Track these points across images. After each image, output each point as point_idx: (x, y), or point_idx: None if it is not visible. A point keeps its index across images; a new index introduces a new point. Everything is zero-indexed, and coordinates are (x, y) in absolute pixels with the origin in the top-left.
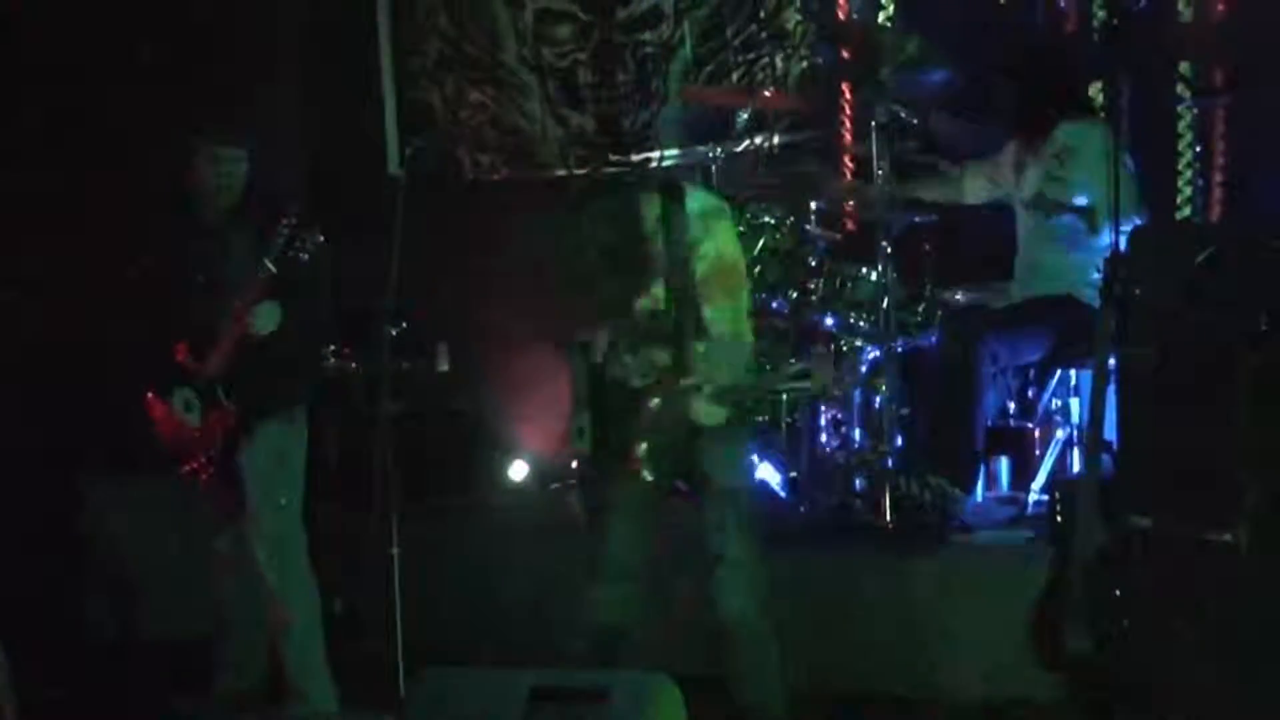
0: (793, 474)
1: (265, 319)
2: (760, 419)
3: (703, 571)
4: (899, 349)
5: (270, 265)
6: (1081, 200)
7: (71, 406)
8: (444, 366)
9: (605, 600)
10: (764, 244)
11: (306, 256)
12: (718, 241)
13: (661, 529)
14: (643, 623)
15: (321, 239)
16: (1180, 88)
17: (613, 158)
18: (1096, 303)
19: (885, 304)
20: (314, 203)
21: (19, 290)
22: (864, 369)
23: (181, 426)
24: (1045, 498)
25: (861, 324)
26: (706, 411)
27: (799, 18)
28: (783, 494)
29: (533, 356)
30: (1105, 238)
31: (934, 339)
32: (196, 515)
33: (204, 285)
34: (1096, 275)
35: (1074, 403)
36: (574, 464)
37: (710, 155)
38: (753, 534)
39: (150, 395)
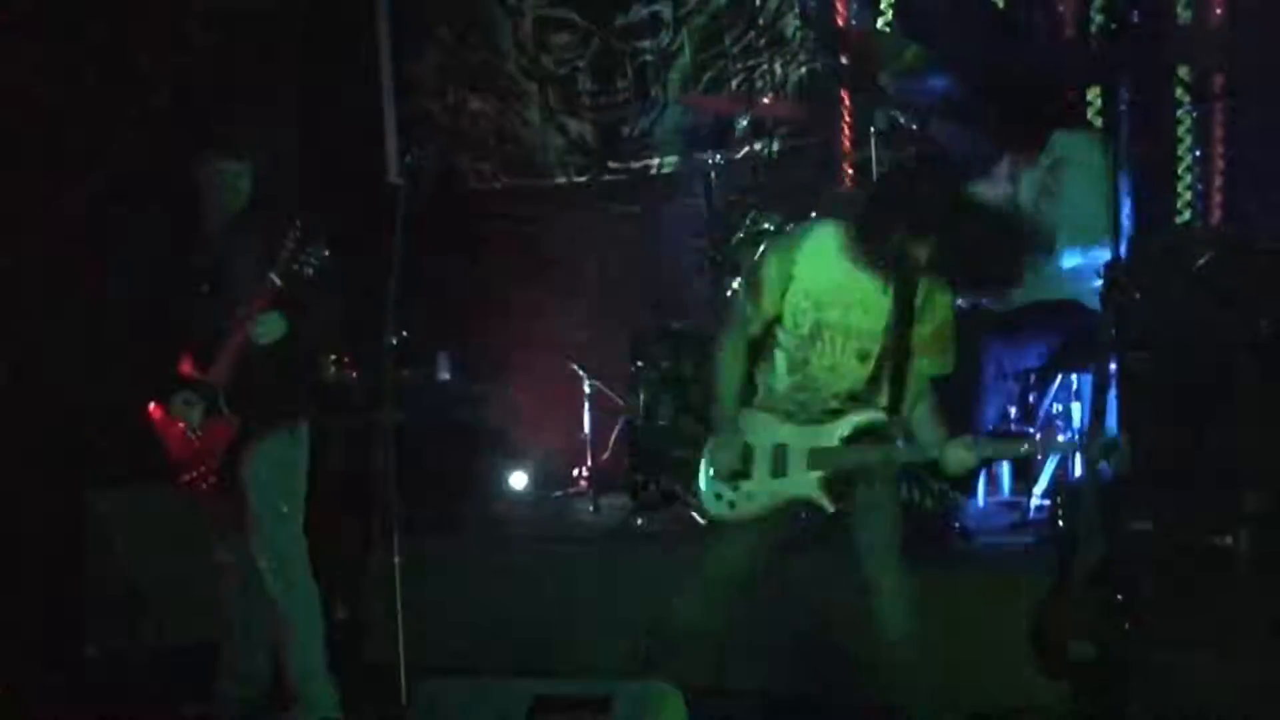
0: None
1: (269, 328)
2: None
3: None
4: None
5: (276, 278)
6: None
7: (74, 415)
8: (445, 375)
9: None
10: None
11: (312, 270)
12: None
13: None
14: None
15: (327, 252)
16: (1179, 92)
17: (611, 165)
18: (1098, 307)
19: None
20: (314, 212)
21: (22, 300)
22: None
23: (183, 436)
24: (1047, 503)
25: None
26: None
27: (798, 24)
28: None
29: (535, 365)
30: (1069, 259)
31: None
32: (199, 524)
33: (207, 295)
34: (1098, 280)
35: (1075, 408)
36: (577, 473)
37: (710, 162)
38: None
39: (152, 405)
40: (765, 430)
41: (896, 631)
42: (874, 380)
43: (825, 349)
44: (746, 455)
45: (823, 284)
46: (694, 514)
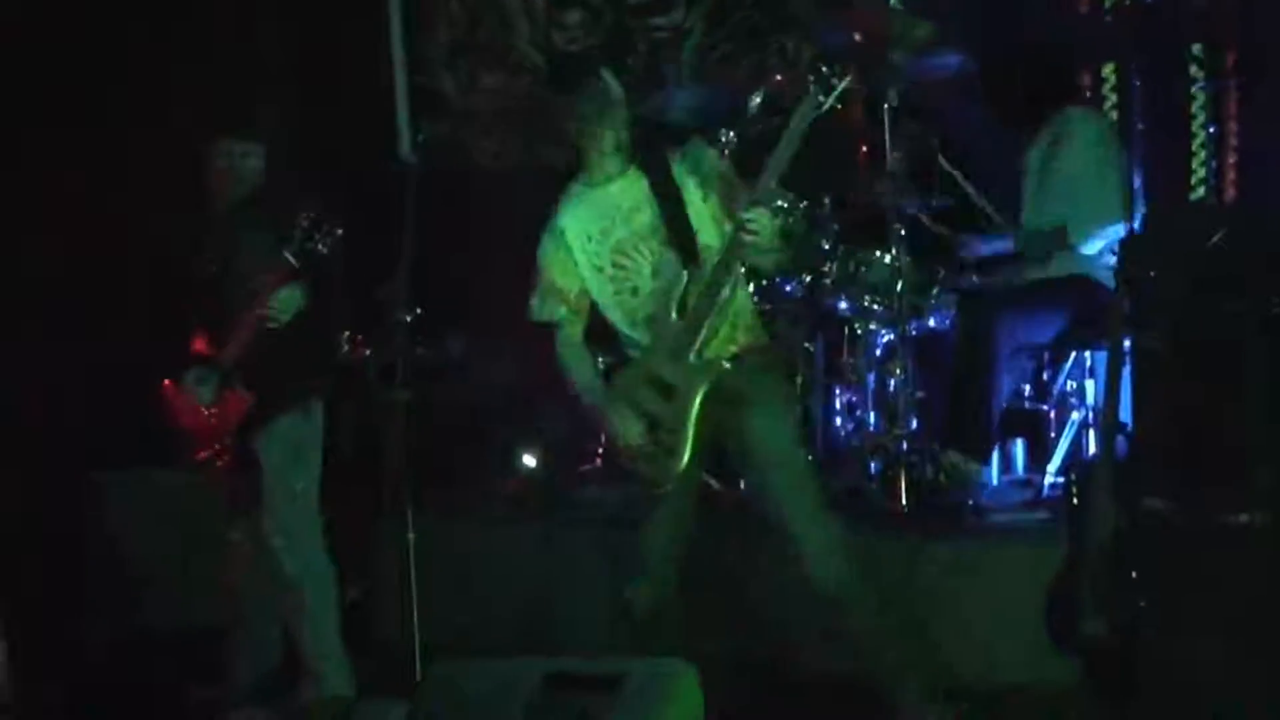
0: (807, 457)
1: (286, 304)
2: None
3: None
4: (913, 332)
5: (290, 258)
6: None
7: (84, 397)
8: (458, 354)
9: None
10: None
11: (326, 250)
12: None
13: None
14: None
15: (340, 232)
16: (1193, 69)
17: None
18: (1112, 284)
19: (899, 287)
20: (325, 190)
21: (34, 282)
22: (878, 352)
23: (196, 413)
24: (1060, 480)
25: (875, 307)
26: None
27: (810, 1)
28: None
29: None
30: (1091, 244)
31: (948, 321)
32: (209, 504)
33: (219, 276)
34: (1111, 257)
35: (1089, 385)
36: (591, 451)
37: (723, 139)
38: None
39: (165, 381)
40: (634, 381)
41: (826, 587)
42: (678, 250)
43: (641, 261)
44: (635, 413)
45: (591, 216)
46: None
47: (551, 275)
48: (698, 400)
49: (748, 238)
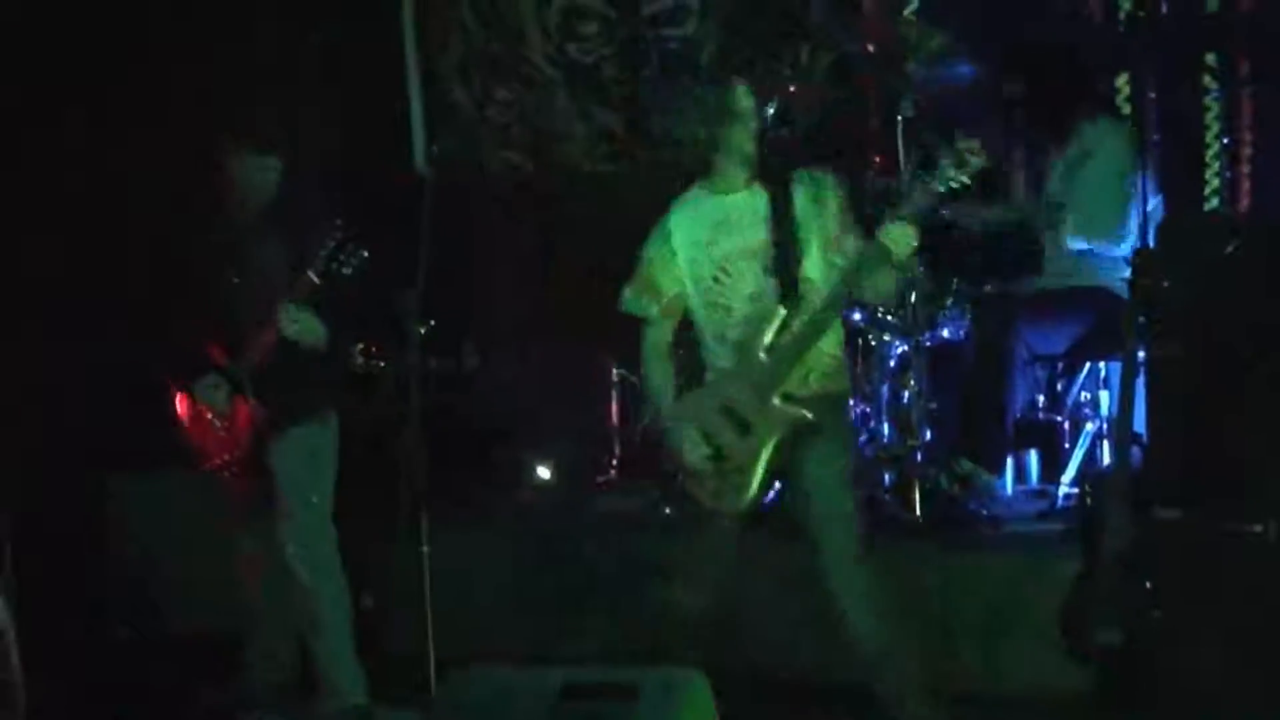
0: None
1: (304, 329)
2: None
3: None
4: (927, 343)
5: (314, 276)
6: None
7: (101, 402)
8: (472, 364)
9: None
10: None
11: (350, 271)
12: None
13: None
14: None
15: (365, 254)
16: (1207, 79)
17: (638, 154)
18: (1126, 294)
19: (913, 298)
20: (343, 204)
21: (49, 284)
22: (892, 363)
23: (208, 422)
24: (1075, 490)
25: (889, 318)
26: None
27: (824, 12)
28: None
29: (562, 354)
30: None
31: (961, 332)
32: (225, 510)
33: (237, 285)
34: (1125, 268)
35: (1104, 395)
36: (606, 462)
37: None
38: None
39: (179, 390)
40: (710, 404)
41: (858, 632)
42: (779, 284)
43: (741, 280)
44: (704, 438)
45: (703, 223)
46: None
47: (652, 272)
48: (773, 444)
49: (891, 246)
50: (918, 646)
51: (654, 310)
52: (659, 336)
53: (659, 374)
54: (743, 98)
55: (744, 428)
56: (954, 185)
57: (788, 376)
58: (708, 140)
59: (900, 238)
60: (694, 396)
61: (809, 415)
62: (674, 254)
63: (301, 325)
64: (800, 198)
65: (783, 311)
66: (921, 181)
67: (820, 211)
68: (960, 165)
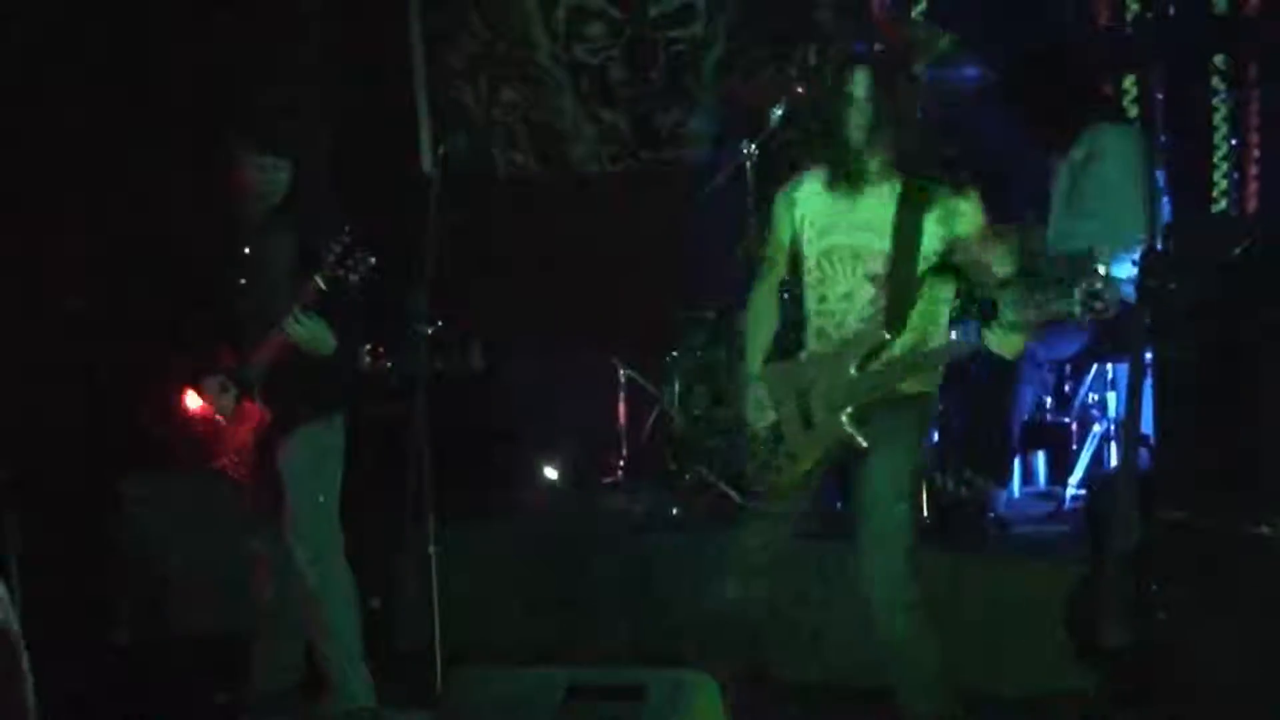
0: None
1: (310, 337)
2: None
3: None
4: None
5: (321, 282)
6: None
7: (110, 403)
8: (479, 365)
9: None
10: None
11: (357, 277)
12: None
13: None
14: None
15: (373, 260)
16: (1215, 81)
17: (644, 155)
18: (1133, 296)
19: None
20: (349, 206)
21: (62, 287)
22: None
23: (214, 422)
24: (1082, 492)
25: None
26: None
27: (832, 13)
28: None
29: (569, 354)
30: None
31: (970, 334)
32: (233, 512)
33: (246, 286)
34: (1133, 270)
35: (1111, 397)
36: (613, 462)
37: (744, 151)
38: None
39: (186, 388)
40: (790, 382)
41: (889, 633)
42: (890, 306)
43: (837, 276)
44: (776, 417)
45: (823, 208)
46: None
47: (776, 224)
48: (824, 449)
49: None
50: (952, 666)
51: (768, 251)
52: (768, 279)
53: (759, 323)
54: (861, 83)
55: (807, 422)
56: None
57: (865, 399)
58: (820, 128)
59: (1008, 346)
60: (781, 367)
61: (863, 444)
62: (792, 217)
63: (308, 330)
64: (931, 217)
65: (886, 337)
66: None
67: (946, 235)
68: (1091, 300)
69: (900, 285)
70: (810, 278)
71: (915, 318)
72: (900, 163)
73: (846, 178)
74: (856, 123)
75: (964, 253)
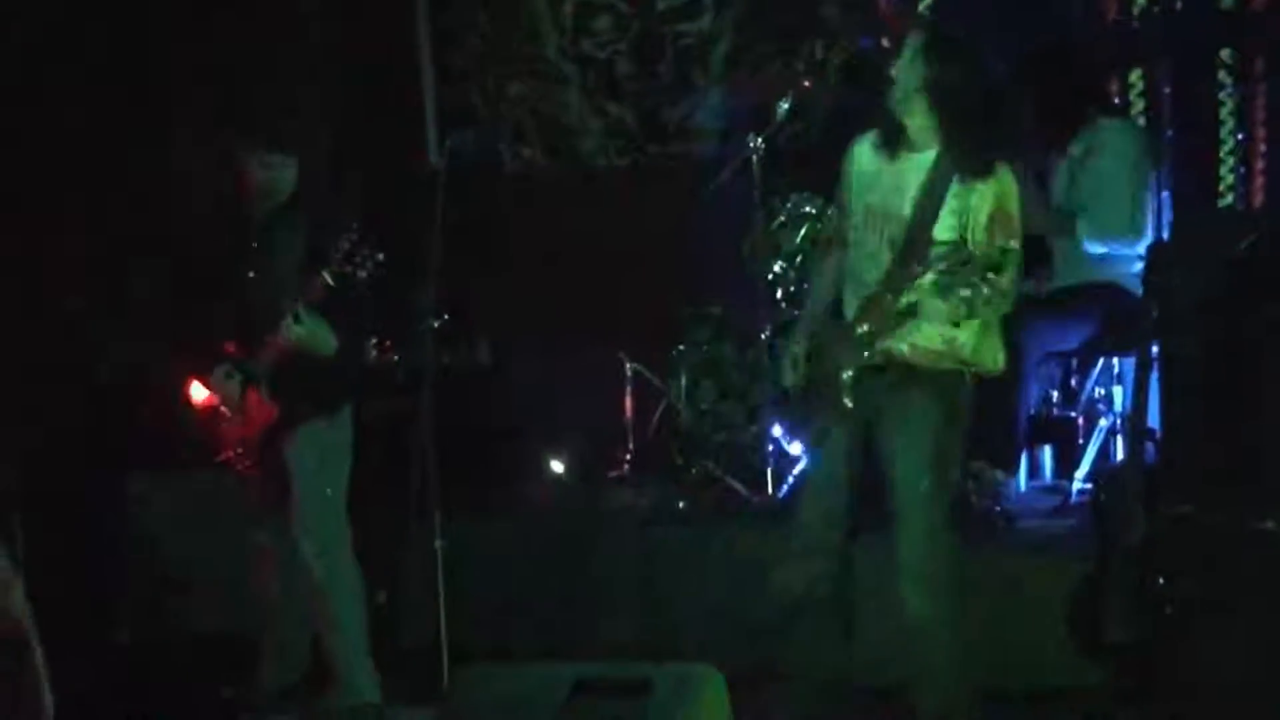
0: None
1: (313, 336)
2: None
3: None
4: None
5: (328, 278)
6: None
7: (116, 399)
8: (485, 360)
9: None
10: (805, 233)
11: (365, 274)
12: None
13: None
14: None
15: (381, 257)
16: (1221, 75)
17: (651, 149)
18: (1140, 291)
19: None
20: (357, 197)
21: (61, 285)
22: None
23: (220, 414)
24: (1088, 487)
25: None
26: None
27: (838, 8)
28: None
29: (575, 348)
30: (1093, 245)
31: None
32: (238, 508)
33: (253, 282)
34: (1139, 264)
35: (1117, 391)
36: (619, 456)
37: (751, 145)
38: None
39: (193, 379)
40: (829, 332)
41: (906, 611)
42: (894, 271)
43: (868, 235)
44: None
45: (868, 166)
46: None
47: (841, 177)
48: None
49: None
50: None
51: (836, 208)
52: (827, 244)
53: (819, 279)
54: (909, 47)
55: (828, 378)
56: None
57: (861, 362)
58: (896, 104)
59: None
60: (831, 324)
61: (849, 404)
62: (849, 174)
63: (307, 331)
64: (956, 190)
65: (889, 300)
66: None
67: (962, 209)
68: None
69: (910, 252)
70: (852, 235)
71: (921, 287)
72: (940, 132)
73: (888, 139)
74: (896, 85)
75: (974, 230)
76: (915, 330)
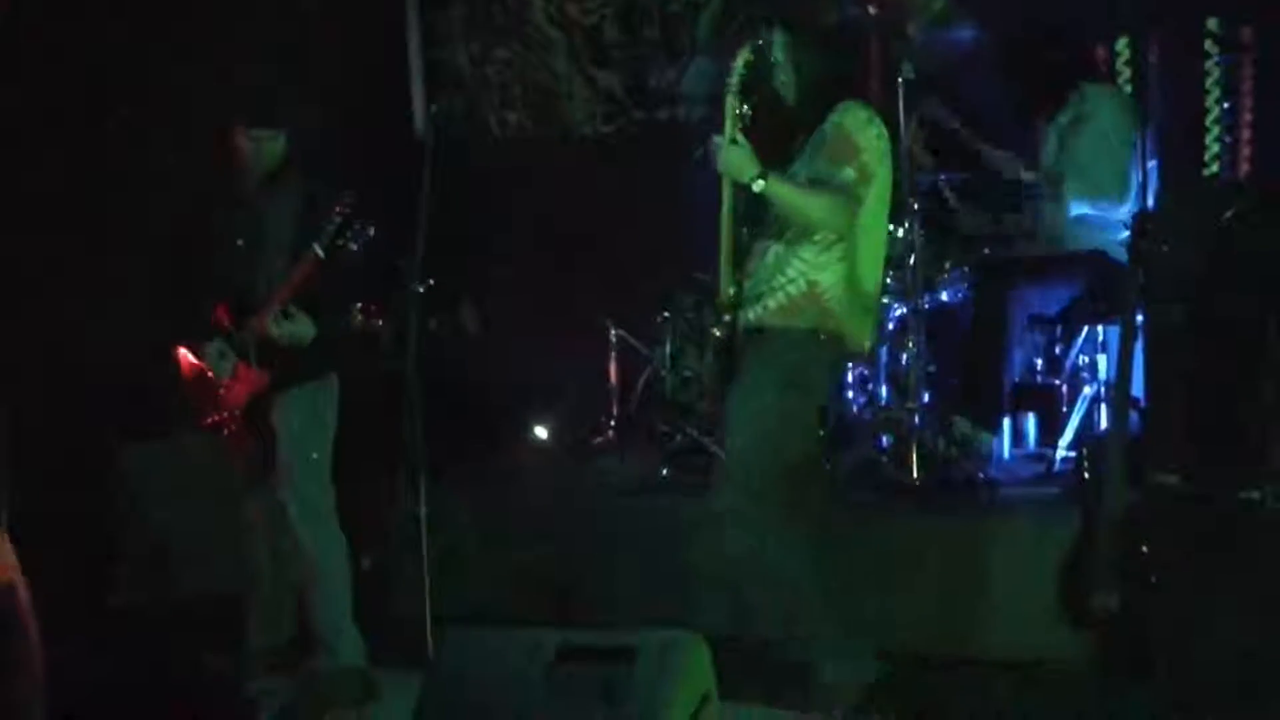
0: (819, 431)
1: (294, 335)
2: None
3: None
4: (925, 305)
5: (319, 250)
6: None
7: (105, 366)
8: (471, 326)
9: None
10: None
11: (356, 247)
12: None
13: None
14: None
15: (372, 232)
16: (1207, 44)
17: (638, 115)
18: (1125, 259)
19: (912, 260)
20: (343, 163)
21: (55, 252)
22: (890, 326)
23: (210, 383)
24: (1072, 455)
25: (888, 281)
26: None
27: None
28: None
29: (559, 314)
30: (1077, 205)
31: (960, 295)
32: (227, 473)
33: (243, 251)
34: (1125, 232)
35: (1101, 359)
36: (604, 423)
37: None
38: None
39: (181, 348)
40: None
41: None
42: None
43: None
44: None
45: None
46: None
47: None
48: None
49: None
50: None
51: None
52: None
53: None
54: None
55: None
56: None
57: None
58: None
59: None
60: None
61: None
62: None
63: (288, 332)
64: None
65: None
66: None
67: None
68: None
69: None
70: None
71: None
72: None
73: None
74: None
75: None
76: (775, 283)
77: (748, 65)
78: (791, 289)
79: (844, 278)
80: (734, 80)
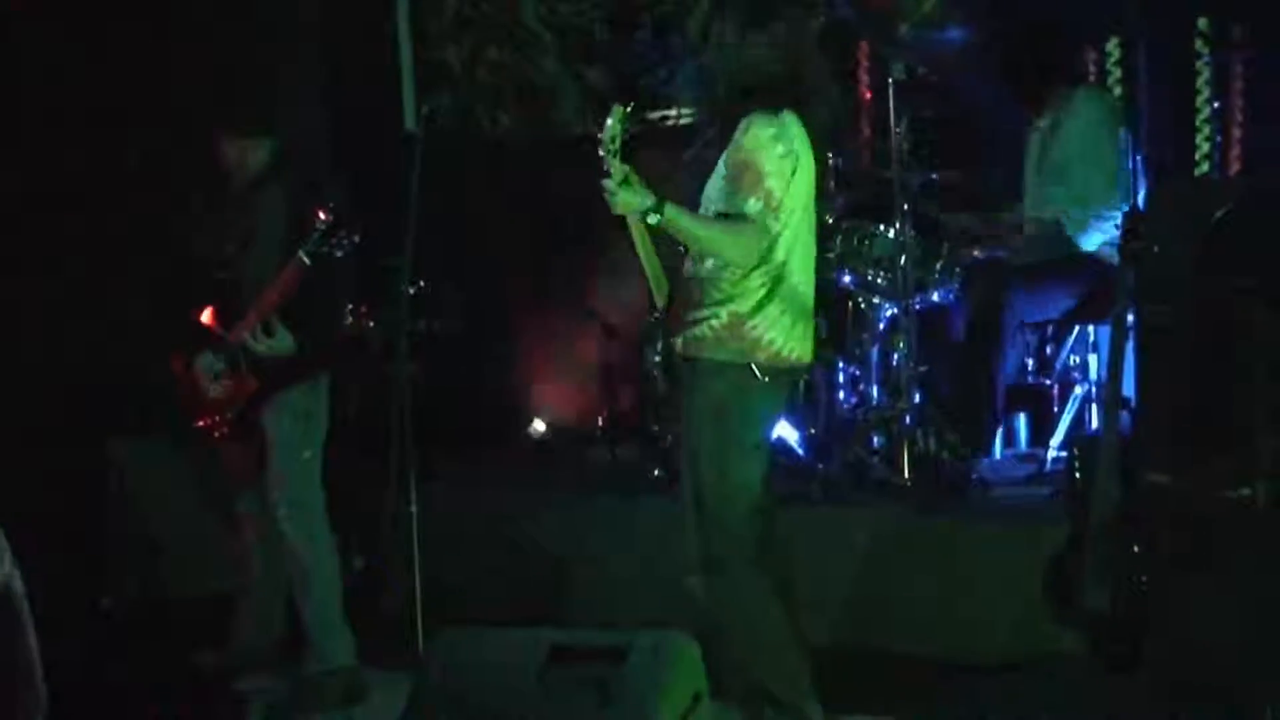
0: (810, 431)
1: (274, 351)
2: None
3: None
4: (917, 306)
5: (305, 258)
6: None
7: (97, 367)
8: (460, 325)
9: None
10: None
11: (341, 254)
12: None
13: None
14: None
15: (358, 238)
16: (1198, 43)
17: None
18: (1116, 260)
19: (903, 261)
20: (332, 164)
21: (51, 250)
22: (881, 326)
23: (200, 385)
24: (1063, 455)
25: (879, 281)
26: None
27: None
28: (800, 451)
29: (550, 313)
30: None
31: (951, 296)
32: (217, 473)
33: (232, 254)
34: (1116, 234)
35: (1092, 359)
36: (594, 422)
37: None
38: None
39: (176, 356)
40: None
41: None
42: None
43: None
44: None
45: None
46: None
47: None
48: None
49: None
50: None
51: None
52: None
53: None
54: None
55: None
56: None
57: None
58: None
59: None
60: None
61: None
62: None
63: (268, 349)
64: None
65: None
66: None
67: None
68: None
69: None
70: None
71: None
72: None
73: None
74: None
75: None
76: (699, 314)
77: (622, 121)
78: (715, 322)
79: (771, 299)
80: (612, 144)
